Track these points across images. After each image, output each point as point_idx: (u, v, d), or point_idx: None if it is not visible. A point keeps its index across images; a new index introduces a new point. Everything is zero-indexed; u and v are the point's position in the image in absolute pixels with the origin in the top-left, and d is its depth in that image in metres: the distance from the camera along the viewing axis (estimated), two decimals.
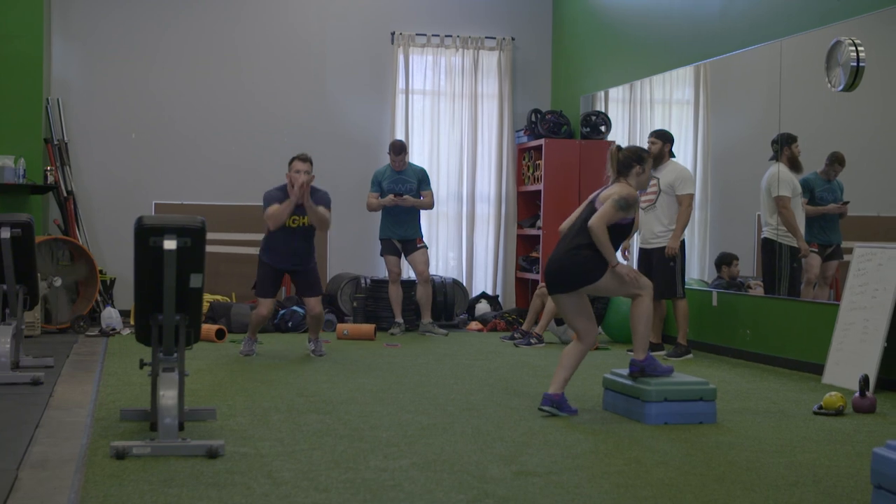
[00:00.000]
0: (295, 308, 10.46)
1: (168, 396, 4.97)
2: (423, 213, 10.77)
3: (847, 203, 8.29)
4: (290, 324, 10.37)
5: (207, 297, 10.47)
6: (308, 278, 8.63)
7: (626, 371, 6.20)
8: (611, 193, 6.09)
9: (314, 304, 8.62)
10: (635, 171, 6.22)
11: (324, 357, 8.56)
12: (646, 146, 8.82)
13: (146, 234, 4.95)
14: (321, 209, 8.43)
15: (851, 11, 7.87)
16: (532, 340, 9.59)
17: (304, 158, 8.42)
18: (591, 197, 6.28)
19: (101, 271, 10.57)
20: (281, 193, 8.45)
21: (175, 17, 11.75)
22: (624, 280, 6.08)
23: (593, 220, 6.00)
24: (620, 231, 6.13)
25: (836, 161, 8.36)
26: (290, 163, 8.42)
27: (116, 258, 11.06)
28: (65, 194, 11.01)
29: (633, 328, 6.15)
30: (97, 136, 11.51)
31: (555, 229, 6.42)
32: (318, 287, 8.68)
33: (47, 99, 11.18)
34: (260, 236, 11.46)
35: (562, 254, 6.15)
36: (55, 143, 11.12)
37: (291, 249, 8.55)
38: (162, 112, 11.68)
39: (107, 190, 11.49)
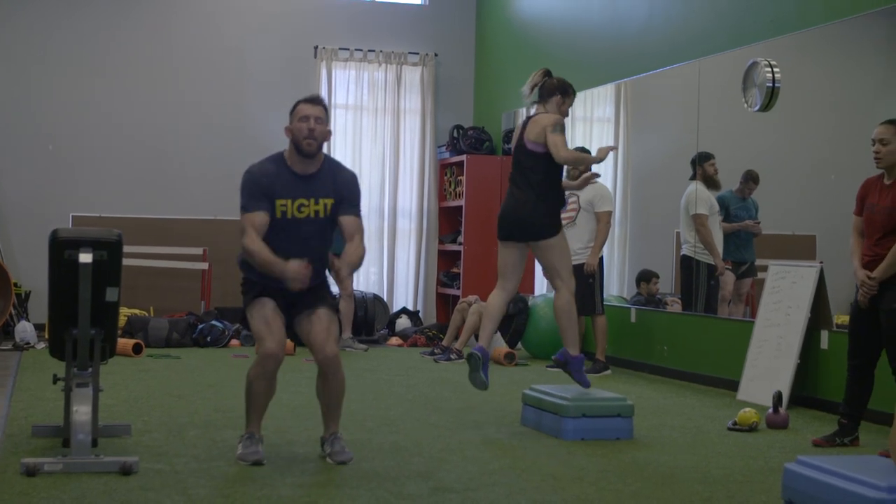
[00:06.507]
0: (214, 322, 10.34)
1: (82, 412, 4.89)
2: None
3: (758, 222, 8.42)
4: (208, 338, 10.25)
5: (125, 312, 10.33)
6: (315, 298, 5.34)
7: (545, 387, 6.26)
8: (543, 125, 6.18)
9: (323, 339, 5.33)
10: (555, 101, 6.32)
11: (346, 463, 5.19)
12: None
13: (61, 247, 4.88)
14: (352, 250, 5.10)
15: (768, 33, 8.02)
16: (452, 356, 9.60)
17: (316, 101, 5.13)
18: (515, 142, 6.38)
19: (15, 284, 10.38)
20: (267, 178, 5.01)
21: (93, 28, 11.60)
22: (565, 252, 6.32)
23: (558, 153, 6.12)
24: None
25: (750, 179, 8.50)
26: (293, 110, 5.08)
27: (32, 271, 10.85)
28: None
29: (558, 324, 6.38)
30: (13, 146, 11.33)
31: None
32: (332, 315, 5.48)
33: None
34: (181, 250, 11.44)
35: (522, 205, 6.27)
36: None
37: (298, 251, 5.02)
38: (79, 123, 11.52)
39: (22, 201, 11.30)
